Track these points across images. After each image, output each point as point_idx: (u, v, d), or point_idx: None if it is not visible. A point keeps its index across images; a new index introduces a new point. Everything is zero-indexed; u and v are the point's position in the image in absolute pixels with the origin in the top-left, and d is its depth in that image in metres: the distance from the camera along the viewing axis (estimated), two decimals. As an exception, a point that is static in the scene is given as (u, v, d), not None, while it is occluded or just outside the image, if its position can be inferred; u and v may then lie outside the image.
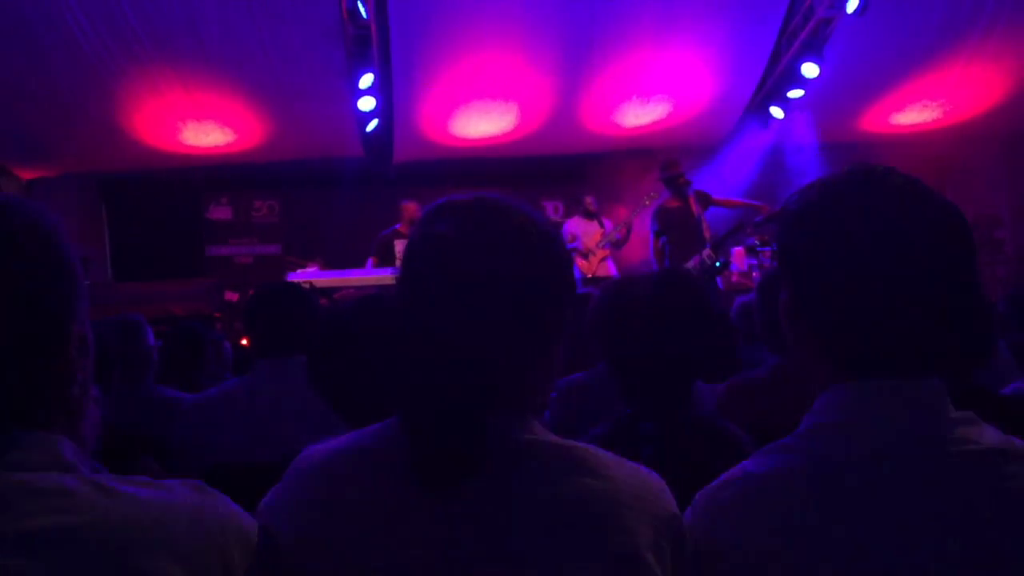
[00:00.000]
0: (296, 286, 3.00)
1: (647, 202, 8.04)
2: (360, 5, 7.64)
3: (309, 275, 7.48)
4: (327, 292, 7.25)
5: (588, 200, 8.80)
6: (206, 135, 9.11)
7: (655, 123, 9.57)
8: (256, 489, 1.41)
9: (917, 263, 1.04)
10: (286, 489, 1.10)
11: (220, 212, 10.49)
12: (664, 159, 7.61)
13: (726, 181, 8.98)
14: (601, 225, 8.66)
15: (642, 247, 8.38)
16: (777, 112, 9.56)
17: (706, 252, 7.08)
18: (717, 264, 7.09)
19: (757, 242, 7.95)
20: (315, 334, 1.89)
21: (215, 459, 2.51)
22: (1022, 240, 10.68)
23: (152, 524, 0.93)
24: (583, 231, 8.59)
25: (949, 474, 1.02)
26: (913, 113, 9.81)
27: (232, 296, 9.43)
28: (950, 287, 1.06)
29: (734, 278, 8.28)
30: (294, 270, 7.82)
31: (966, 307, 1.07)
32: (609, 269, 8.52)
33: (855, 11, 7.87)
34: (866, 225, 1.06)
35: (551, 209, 10.67)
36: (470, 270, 1.04)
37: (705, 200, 7.46)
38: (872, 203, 1.07)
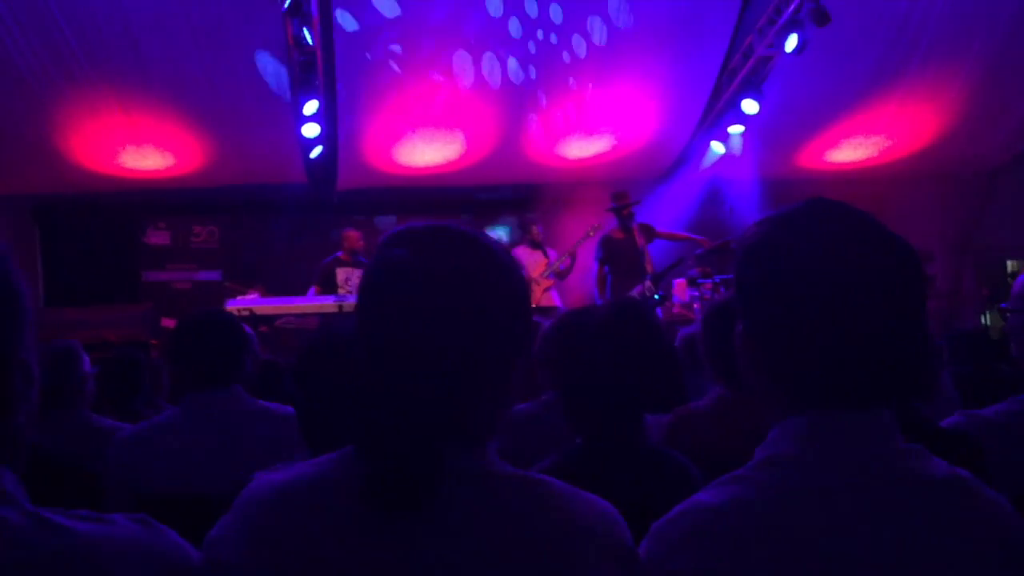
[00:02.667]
0: (224, 313, 2.94)
1: (591, 233, 8.11)
2: (306, 31, 7.61)
3: (249, 302, 7.37)
4: (268, 319, 7.15)
5: (536, 230, 8.85)
6: (145, 159, 8.96)
7: (599, 156, 9.68)
8: (192, 521, 1.37)
9: (869, 297, 1.06)
10: (235, 520, 1.06)
11: (158, 237, 10.30)
12: (615, 190, 7.72)
13: (667, 214, 9.10)
14: (545, 255, 8.70)
15: (585, 278, 8.44)
16: (718, 147, 9.73)
17: (646, 284, 7.16)
18: (656, 296, 7.17)
19: (698, 274, 8.06)
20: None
21: (150, 490, 2.45)
22: (953, 276, 10.99)
23: (95, 560, 0.89)
24: (528, 261, 8.62)
25: (900, 505, 1.03)
26: (848, 150, 10.07)
27: (169, 322, 9.22)
28: (900, 321, 1.07)
29: (675, 309, 8.36)
30: (234, 296, 7.70)
31: (915, 340, 1.08)
32: (553, 299, 8.55)
33: (794, 50, 8.08)
34: (819, 260, 1.07)
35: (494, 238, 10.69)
36: (428, 294, 1.03)
37: (649, 232, 7.56)
38: (825, 238, 1.09)
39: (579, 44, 8.46)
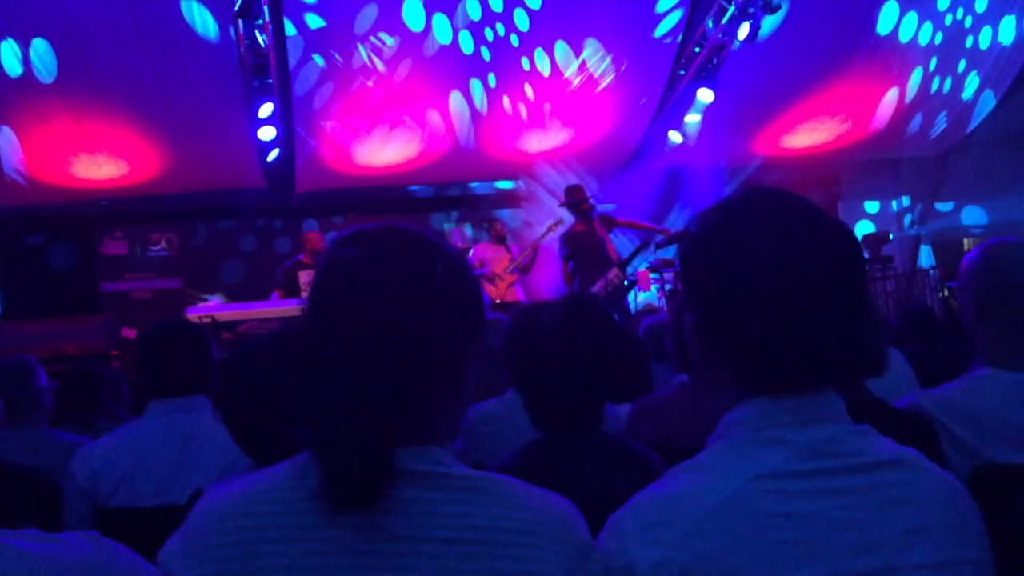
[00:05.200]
0: (189, 324, 2.92)
1: (553, 227, 8.12)
2: (258, 34, 7.54)
3: (211, 309, 7.31)
4: (230, 325, 7.08)
5: (499, 225, 8.85)
6: (98, 168, 8.83)
7: (557, 149, 9.70)
8: (156, 533, 1.36)
9: (812, 282, 1.08)
10: (188, 533, 1.06)
11: (115, 247, 10.15)
12: (568, 186, 7.74)
13: (627, 204, 9.14)
14: (508, 250, 8.70)
15: (549, 272, 8.45)
16: (675, 136, 9.79)
17: (613, 272, 7.19)
18: (626, 283, 7.21)
19: (660, 264, 8.11)
20: (220, 374, 1.83)
21: (112, 504, 2.43)
22: (910, 256, 11.15)
23: None
24: (491, 256, 8.62)
25: (849, 486, 1.05)
26: (804, 135, 10.18)
27: (130, 333, 9.12)
28: (844, 304, 1.09)
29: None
30: (195, 304, 7.63)
31: (859, 322, 1.10)
32: (517, 294, 8.56)
33: (746, 38, 8.16)
34: (762, 247, 1.09)
35: (458, 236, 10.69)
36: (377, 293, 1.03)
37: (609, 223, 7.60)
38: (768, 226, 1.10)
39: (535, 38, 8.47)
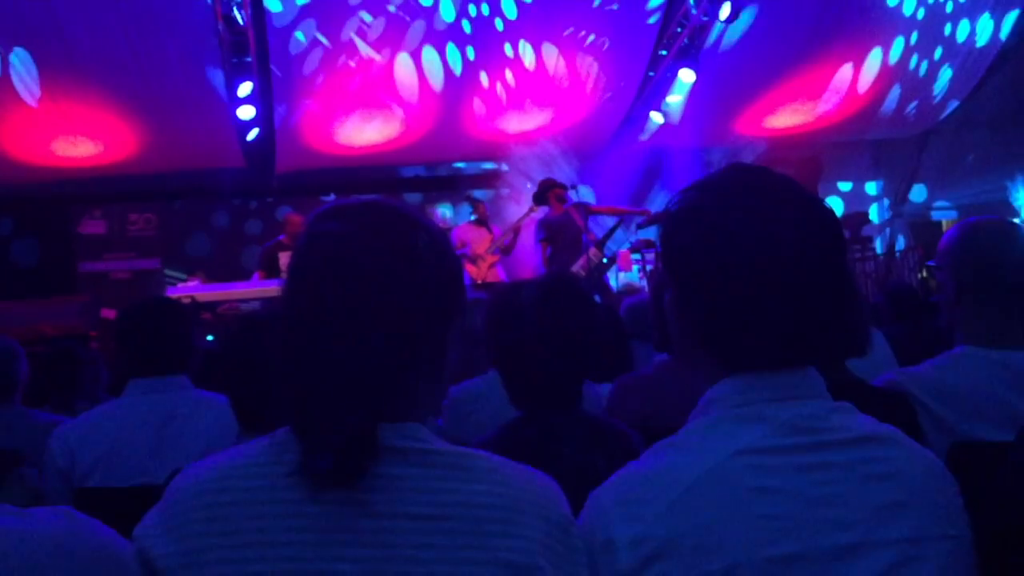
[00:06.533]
0: (170, 301, 2.89)
1: (534, 208, 8.13)
2: (236, 11, 7.46)
3: (191, 289, 7.26)
4: (210, 306, 7.05)
5: (480, 206, 8.83)
6: (76, 147, 8.74)
7: (539, 129, 9.67)
8: (135, 513, 1.35)
9: (791, 260, 1.08)
10: (164, 509, 1.05)
11: (93, 227, 10.06)
12: (541, 179, 7.81)
13: (608, 185, 9.14)
14: (490, 231, 8.69)
15: (530, 253, 8.46)
16: (657, 117, 9.78)
17: (592, 251, 7.22)
18: (604, 260, 7.24)
19: (641, 244, 8.13)
20: (223, 350, 1.81)
21: (91, 484, 2.41)
22: (889, 235, 11.23)
23: (16, 556, 0.87)
24: (472, 237, 8.61)
25: (827, 462, 1.05)
26: (785, 116, 10.20)
27: (109, 313, 9.05)
28: (823, 282, 1.09)
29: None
30: (174, 284, 7.58)
31: (839, 301, 1.11)
32: (499, 275, 8.56)
33: (727, 18, 8.15)
34: (743, 224, 1.09)
35: (438, 216, 10.66)
36: (358, 267, 1.02)
37: (584, 210, 7.63)
38: (748, 203, 1.10)
39: (513, 16, 8.43)
